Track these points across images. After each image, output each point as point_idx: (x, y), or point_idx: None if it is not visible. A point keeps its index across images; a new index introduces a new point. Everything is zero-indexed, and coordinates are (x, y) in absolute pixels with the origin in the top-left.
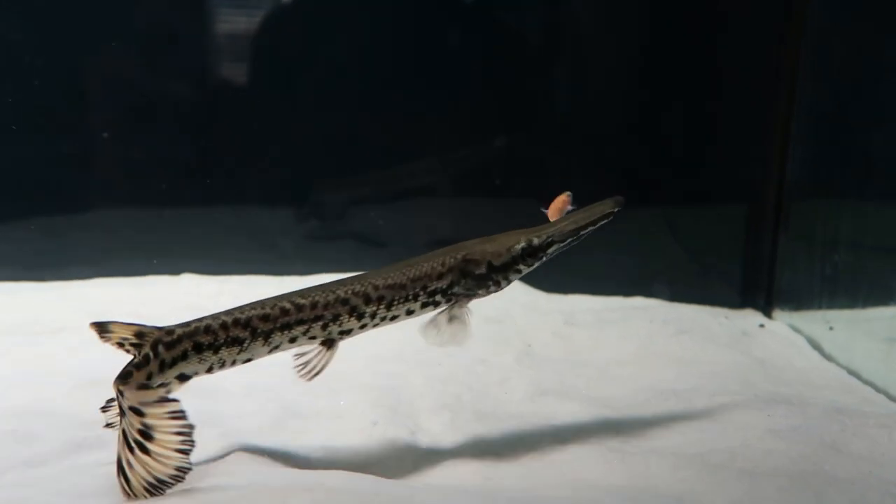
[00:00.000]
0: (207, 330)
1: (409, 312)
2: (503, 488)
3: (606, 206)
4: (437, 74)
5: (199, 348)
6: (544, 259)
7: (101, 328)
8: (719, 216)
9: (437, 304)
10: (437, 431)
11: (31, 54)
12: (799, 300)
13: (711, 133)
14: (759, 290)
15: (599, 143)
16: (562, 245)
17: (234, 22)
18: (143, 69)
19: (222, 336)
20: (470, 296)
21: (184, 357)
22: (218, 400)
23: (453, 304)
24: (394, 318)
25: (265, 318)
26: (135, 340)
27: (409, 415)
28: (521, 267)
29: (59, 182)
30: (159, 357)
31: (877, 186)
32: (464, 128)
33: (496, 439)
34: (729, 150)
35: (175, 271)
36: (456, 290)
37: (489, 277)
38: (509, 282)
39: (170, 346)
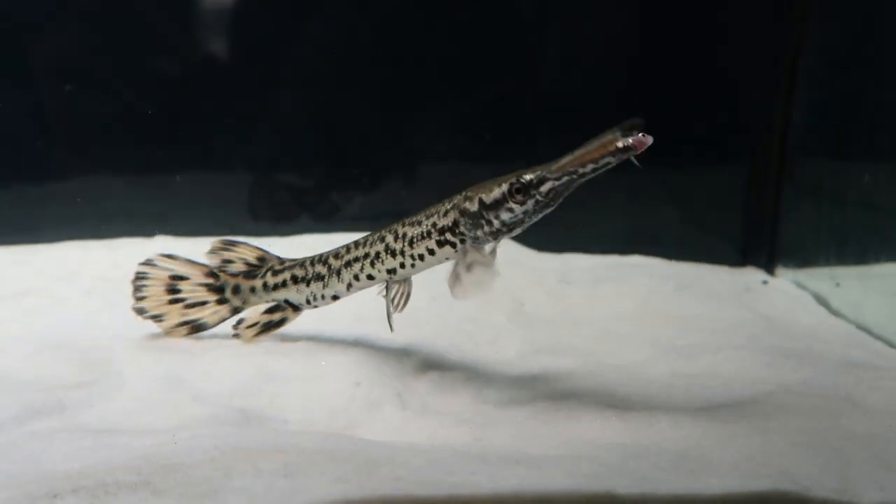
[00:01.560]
0: (301, 265)
1: (430, 252)
2: (494, 447)
3: (609, 139)
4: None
5: (295, 279)
6: (539, 199)
7: (228, 244)
8: (717, 170)
9: (451, 244)
10: (424, 392)
11: None
12: (804, 256)
13: (709, 80)
14: (761, 247)
15: (587, 95)
16: (557, 183)
17: None
18: (114, 30)
19: (311, 271)
20: (474, 238)
21: (283, 285)
22: (187, 364)
23: (466, 249)
24: (421, 258)
25: (336, 255)
26: (256, 262)
27: (395, 375)
28: (513, 205)
29: (29, 146)
30: (265, 278)
31: (890, 137)
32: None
33: (487, 399)
34: (728, 98)
35: (148, 234)
36: (461, 228)
37: (480, 216)
38: (503, 223)
39: (276, 273)
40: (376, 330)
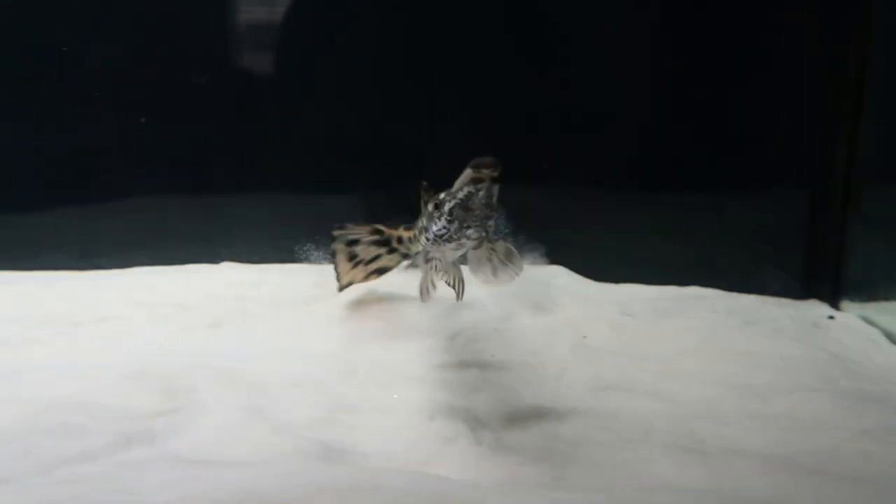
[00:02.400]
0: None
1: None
2: (576, 489)
3: (466, 172)
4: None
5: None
6: (447, 216)
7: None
8: (778, 198)
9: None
10: (496, 427)
11: (58, 43)
12: (871, 290)
13: (770, 104)
14: (824, 280)
15: (640, 122)
16: (450, 204)
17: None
18: (173, 53)
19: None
20: (427, 242)
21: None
22: (266, 394)
23: (425, 253)
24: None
25: (399, 239)
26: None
27: (466, 410)
28: (435, 219)
29: (96, 171)
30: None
31: None
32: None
33: (560, 437)
34: (790, 122)
35: (213, 259)
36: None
37: (426, 226)
38: (435, 234)
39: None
40: (444, 361)
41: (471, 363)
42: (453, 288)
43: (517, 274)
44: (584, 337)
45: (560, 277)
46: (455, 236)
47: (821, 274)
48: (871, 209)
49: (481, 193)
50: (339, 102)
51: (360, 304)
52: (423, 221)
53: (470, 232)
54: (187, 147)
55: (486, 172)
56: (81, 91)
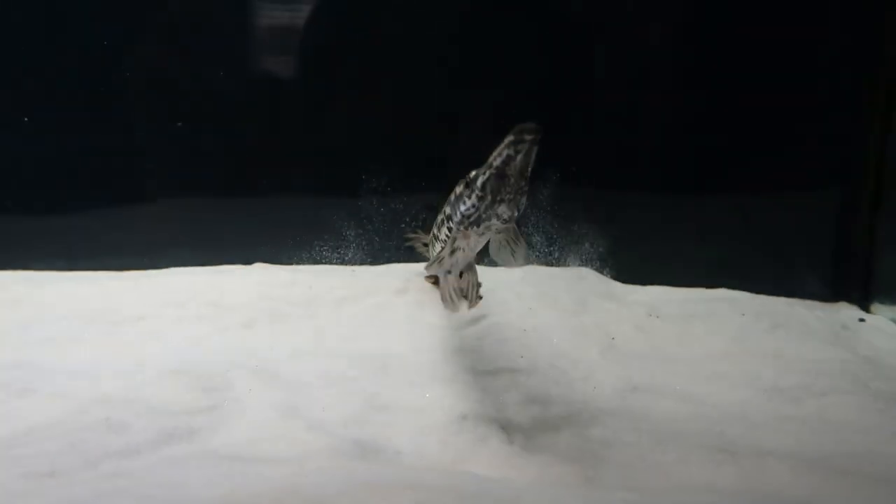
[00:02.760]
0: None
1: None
2: (608, 487)
3: (507, 138)
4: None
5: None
6: (478, 192)
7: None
8: (806, 198)
9: (449, 230)
10: (527, 427)
11: (92, 45)
12: None
13: (797, 104)
14: (854, 282)
15: (667, 123)
16: (484, 177)
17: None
18: (208, 57)
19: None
20: (457, 224)
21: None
22: (300, 392)
23: (454, 235)
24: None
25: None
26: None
27: (498, 409)
28: (464, 198)
29: (132, 173)
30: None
31: None
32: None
33: (590, 438)
34: (819, 121)
35: (247, 261)
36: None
37: (454, 207)
38: (462, 214)
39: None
40: (473, 362)
41: (500, 364)
42: (465, 296)
43: (524, 257)
44: (612, 338)
45: (587, 279)
46: (484, 215)
47: (851, 276)
48: None
49: (520, 157)
50: (372, 104)
51: (387, 305)
52: (443, 214)
53: (502, 209)
54: (221, 149)
55: (528, 137)
56: (116, 94)
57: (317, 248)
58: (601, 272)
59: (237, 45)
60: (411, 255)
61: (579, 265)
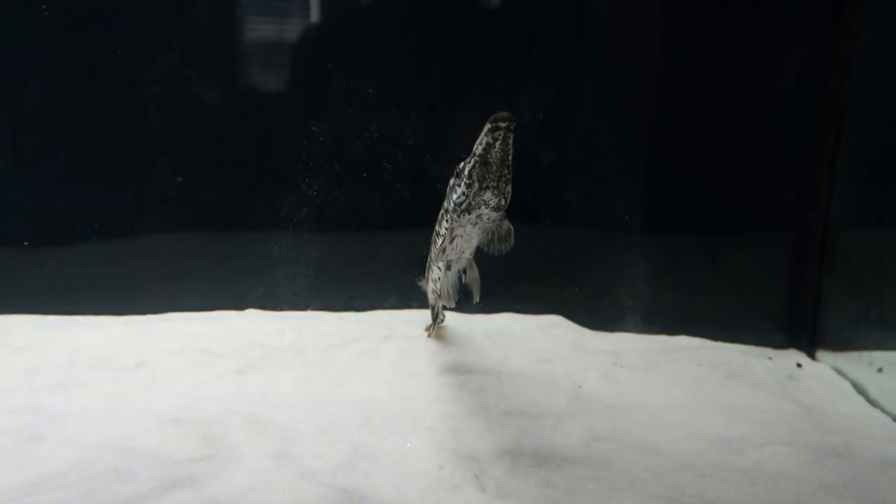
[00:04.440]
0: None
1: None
2: None
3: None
4: None
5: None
6: (465, 180)
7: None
8: (762, 250)
9: (446, 220)
10: (500, 475)
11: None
12: (843, 341)
13: (754, 157)
14: (803, 329)
15: (633, 169)
16: (469, 165)
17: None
18: (203, 90)
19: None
20: (452, 214)
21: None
22: (292, 440)
23: (452, 224)
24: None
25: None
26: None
27: (472, 459)
28: (455, 187)
29: (123, 214)
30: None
31: None
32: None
33: (556, 485)
34: (772, 176)
35: (240, 307)
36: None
37: (447, 197)
38: (455, 203)
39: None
40: (451, 411)
41: (475, 413)
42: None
43: (507, 249)
44: (580, 387)
45: (560, 326)
46: (474, 202)
47: (799, 324)
48: (844, 260)
49: (498, 144)
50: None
51: (372, 352)
52: (442, 209)
53: (488, 196)
54: (215, 191)
55: (502, 125)
56: (120, 141)
57: (302, 294)
58: (572, 319)
59: (228, 77)
60: (397, 302)
61: (553, 314)
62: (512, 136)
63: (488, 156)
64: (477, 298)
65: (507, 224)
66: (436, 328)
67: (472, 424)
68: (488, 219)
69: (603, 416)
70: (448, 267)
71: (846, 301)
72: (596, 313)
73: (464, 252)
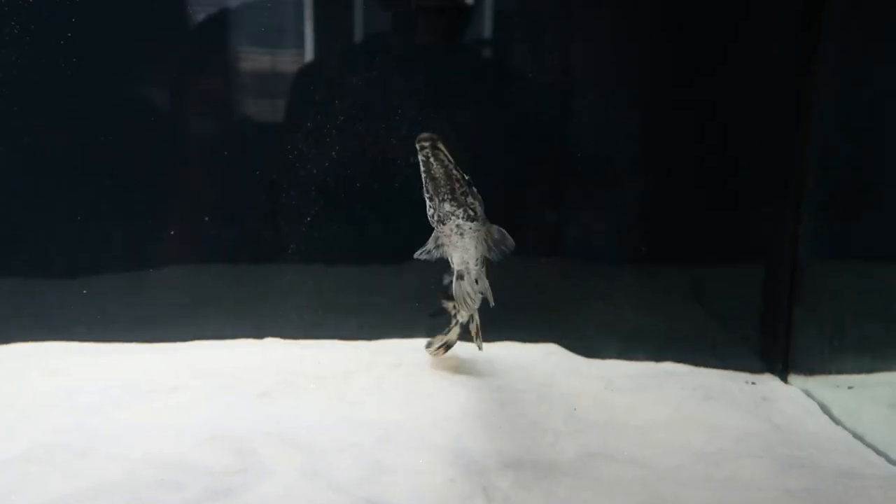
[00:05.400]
0: None
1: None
2: None
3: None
4: None
5: None
6: (427, 192)
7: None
8: (740, 278)
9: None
10: (505, 487)
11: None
12: (811, 366)
13: (729, 190)
14: (777, 355)
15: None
16: (424, 179)
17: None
18: (212, 123)
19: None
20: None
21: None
22: (317, 456)
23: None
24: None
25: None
26: None
27: (481, 473)
28: (426, 199)
29: (141, 242)
30: None
31: (882, 251)
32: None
33: (556, 496)
34: (747, 212)
35: (259, 335)
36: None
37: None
38: (430, 215)
39: None
40: (459, 431)
41: (481, 432)
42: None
43: (510, 250)
44: (575, 409)
45: (554, 355)
46: (441, 214)
47: (774, 351)
48: (810, 289)
49: (432, 160)
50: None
51: (385, 377)
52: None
53: (447, 207)
54: (237, 223)
55: (425, 144)
56: (145, 177)
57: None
58: (567, 349)
59: (242, 104)
60: (405, 331)
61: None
62: (442, 153)
63: (431, 171)
64: (492, 303)
65: (494, 228)
66: (443, 351)
67: (479, 442)
68: (470, 228)
69: (596, 435)
70: (460, 276)
71: (813, 329)
72: (588, 342)
73: (467, 262)
